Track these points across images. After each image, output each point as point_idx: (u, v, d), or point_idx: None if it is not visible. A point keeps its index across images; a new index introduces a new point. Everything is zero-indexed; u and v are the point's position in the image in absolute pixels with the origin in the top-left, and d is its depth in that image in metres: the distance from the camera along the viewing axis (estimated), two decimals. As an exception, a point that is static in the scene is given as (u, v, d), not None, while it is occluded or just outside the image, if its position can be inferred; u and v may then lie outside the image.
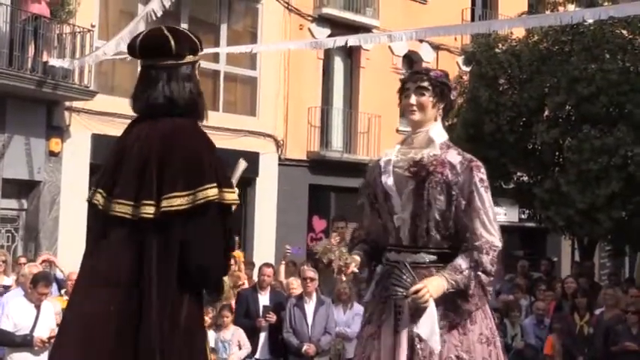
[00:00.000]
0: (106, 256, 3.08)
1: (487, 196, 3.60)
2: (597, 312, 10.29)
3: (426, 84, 3.73)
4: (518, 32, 15.27)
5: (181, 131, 3.07)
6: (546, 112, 14.54)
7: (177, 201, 2.94)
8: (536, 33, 14.70)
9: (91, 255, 3.21)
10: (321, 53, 18.71)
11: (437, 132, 3.74)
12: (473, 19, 21.03)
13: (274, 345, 8.76)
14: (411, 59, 20.95)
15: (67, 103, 14.51)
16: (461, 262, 3.54)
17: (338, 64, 19.79)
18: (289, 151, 18.08)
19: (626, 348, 9.33)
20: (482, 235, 3.55)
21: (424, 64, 20.85)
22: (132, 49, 3.20)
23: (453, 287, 3.52)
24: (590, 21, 12.92)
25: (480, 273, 3.52)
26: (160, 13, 10.70)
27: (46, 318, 7.90)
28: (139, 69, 3.24)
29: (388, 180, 3.66)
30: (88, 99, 14.36)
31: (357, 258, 3.74)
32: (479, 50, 15.38)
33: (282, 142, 18.00)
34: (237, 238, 14.06)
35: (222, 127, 15.80)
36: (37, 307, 7.81)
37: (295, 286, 9.05)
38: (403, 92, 3.83)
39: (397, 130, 20.22)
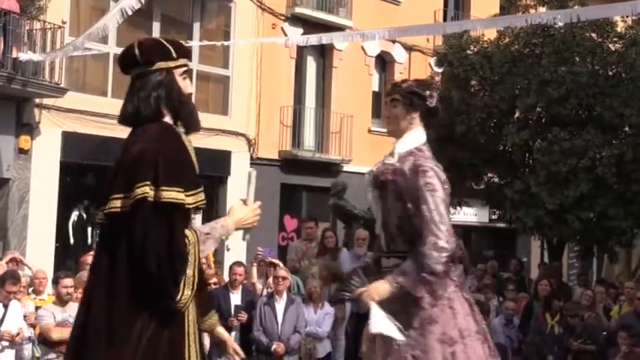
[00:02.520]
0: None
1: (433, 200, 3.70)
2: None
3: (397, 96, 3.92)
4: (490, 34, 15.39)
5: (140, 135, 3.09)
6: (517, 114, 14.67)
7: (117, 203, 2.92)
8: (507, 35, 14.83)
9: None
10: (293, 53, 18.70)
11: (406, 142, 3.91)
12: (445, 21, 21.14)
13: (245, 343, 8.75)
14: (383, 60, 21.02)
15: (37, 100, 14.36)
16: (406, 264, 3.69)
17: (311, 64, 19.79)
18: (261, 151, 18.05)
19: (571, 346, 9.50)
20: (427, 237, 3.66)
21: (397, 65, 20.96)
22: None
23: (397, 289, 3.67)
24: (561, 24, 13.05)
25: (425, 274, 3.64)
26: (130, 12, 10.60)
27: (14, 317, 7.83)
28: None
29: (369, 192, 3.92)
30: (58, 96, 14.22)
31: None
32: (451, 52, 15.48)
33: (254, 141, 17.96)
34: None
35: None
36: (5, 306, 7.74)
37: (268, 286, 9.06)
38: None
39: (369, 130, 20.28)
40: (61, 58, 13.52)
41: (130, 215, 2.88)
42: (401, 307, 3.71)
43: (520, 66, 14.30)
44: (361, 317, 9.79)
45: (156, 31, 16.38)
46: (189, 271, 2.93)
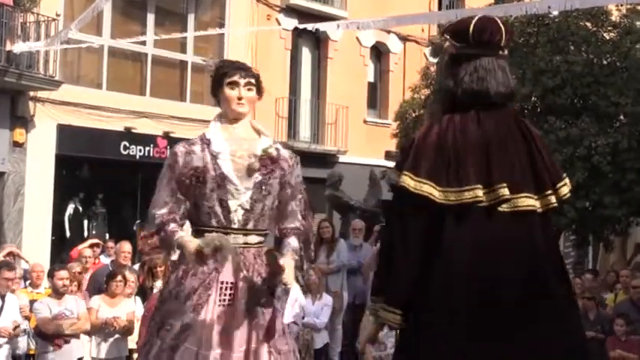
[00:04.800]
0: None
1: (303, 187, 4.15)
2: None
3: (253, 80, 4.03)
4: (485, 24, 15.36)
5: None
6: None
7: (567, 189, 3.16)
8: (502, 25, 14.81)
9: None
10: (288, 44, 18.68)
11: (258, 125, 4.15)
12: (440, 10, 21.10)
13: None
14: (378, 50, 21.01)
15: (32, 93, 14.33)
16: (295, 244, 3.94)
17: (306, 55, 19.77)
18: (257, 142, 18.03)
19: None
20: (303, 220, 4.04)
21: (392, 56, 20.95)
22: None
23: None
24: (556, 13, 13.05)
25: (303, 254, 3.98)
26: None
27: (10, 310, 7.82)
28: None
29: (226, 167, 3.85)
30: (53, 89, 14.19)
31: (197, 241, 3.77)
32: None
33: (249, 132, 17.95)
34: None
35: (189, 118, 15.70)
36: (2, 297, 7.74)
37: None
38: (225, 82, 3.99)
39: (365, 121, 20.28)
40: (55, 51, 13.49)
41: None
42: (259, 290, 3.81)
43: (515, 55, 14.26)
44: (358, 308, 9.84)
45: (150, 23, 16.35)
46: None
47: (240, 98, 3.97)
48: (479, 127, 3.04)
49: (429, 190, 2.97)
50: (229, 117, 4.01)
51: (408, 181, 3.00)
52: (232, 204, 3.84)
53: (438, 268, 2.96)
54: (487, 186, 2.98)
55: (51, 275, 8.03)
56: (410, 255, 3.00)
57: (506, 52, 3.21)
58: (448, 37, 3.23)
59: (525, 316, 2.95)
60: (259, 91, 4.09)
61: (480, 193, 2.96)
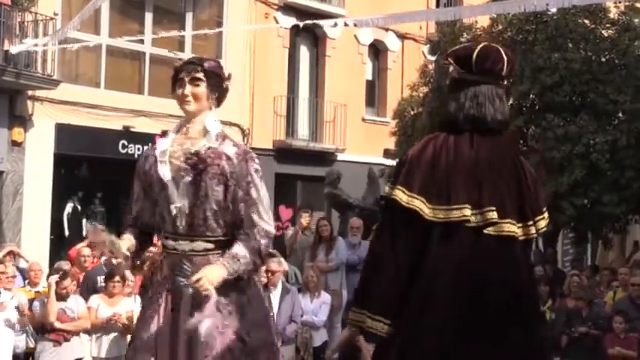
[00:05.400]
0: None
1: (262, 186, 3.76)
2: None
3: (200, 75, 3.78)
4: (483, 21, 15.37)
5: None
6: (510, 101, 14.65)
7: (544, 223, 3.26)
8: (500, 22, 14.81)
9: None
10: (286, 42, 18.67)
11: (211, 122, 3.81)
12: (438, 8, 21.09)
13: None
14: (376, 48, 21.00)
15: (30, 92, 14.32)
16: (238, 250, 3.64)
17: (304, 53, 19.76)
18: (255, 140, 18.03)
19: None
20: (258, 223, 3.69)
21: (390, 54, 20.95)
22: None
23: (231, 275, 3.61)
24: (554, 10, 13.05)
25: (256, 259, 3.69)
26: None
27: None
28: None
29: (164, 170, 3.71)
30: (51, 88, 14.18)
31: (128, 242, 3.76)
32: (444, 39, 15.45)
33: (247, 131, 17.95)
34: None
35: (187, 117, 15.69)
36: None
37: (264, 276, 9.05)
38: (177, 82, 3.84)
39: (363, 119, 20.28)
40: (53, 50, 13.48)
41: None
42: (223, 292, 3.63)
43: (513, 53, 14.29)
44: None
45: (148, 21, 16.34)
46: None
47: (185, 96, 3.79)
48: (472, 149, 3.16)
49: (420, 205, 3.09)
50: (186, 117, 3.87)
51: (401, 195, 3.11)
52: (172, 209, 3.69)
53: (422, 282, 3.07)
54: (476, 207, 3.09)
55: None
56: (398, 266, 3.11)
57: (506, 82, 3.36)
58: (452, 61, 3.33)
59: (504, 332, 3.08)
60: (216, 83, 3.83)
61: (467, 212, 3.07)
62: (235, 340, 3.62)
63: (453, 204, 3.07)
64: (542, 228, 3.22)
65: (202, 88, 3.78)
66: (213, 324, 3.60)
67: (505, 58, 3.28)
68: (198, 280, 3.50)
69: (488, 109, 3.19)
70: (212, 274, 3.54)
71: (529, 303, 3.18)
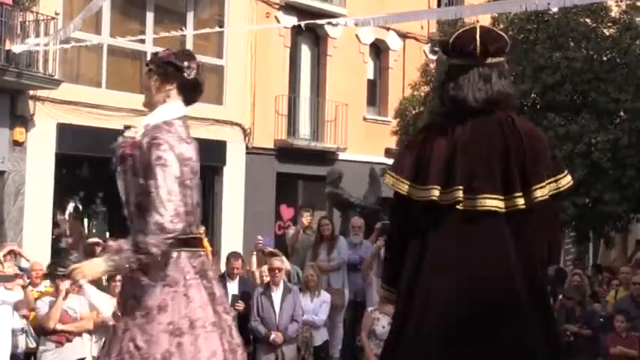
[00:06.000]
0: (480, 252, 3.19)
1: (162, 175, 3.41)
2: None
3: (152, 66, 3.69)
4: (484, 20, 15.36)
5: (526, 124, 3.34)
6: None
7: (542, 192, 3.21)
8: (501, 21, 14.81)
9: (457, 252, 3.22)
10: (288, 42, 18.67)
11: (157, 115, 3.64)
12: (439, 7, 21.08)
13: (242, 333, 8.76)
14: (378, 47, 20.99)
15: (32, 92, 14.32)
16: (123, 243, 3.43)
17: (305, 53, 19.76)
18: (256, 140, 18.04)
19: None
20: (150, 216, 3.39)
21: (391, 53, 20.94)
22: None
23: (113, 268, 3.48)
24: (555, 9, 13.05)
25: (140, 255, 3.37)
26: None
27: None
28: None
29: (113, 165, 3.66)
30: (52, 88, 14.19)
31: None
32: (445, 39, 15.45)
33: (249, 130, 17.95)
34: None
35: (188, 116, 15.66)
36: None
37: (266, 274, 9.06)
38: None
39: (364, 119, 20.28)
40: (54, 50, 13.48)
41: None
42: (131, 291, 3.51)
43: (514, 52, 14.29)
44: (359, 305, 9.85)
45: (149, 21, 16.35)
46: None
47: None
48: (453, 133, 3.25)
49: (404, 187, 3.27)
50: None
51: (388, 179, 3.33)
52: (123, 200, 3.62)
53: (411, 254, 3.28)
54: (445, 187, 3.21)
55: (52, 278, 8.01)
56: (394, 243, 3.42)
57: (496, 60, 3.31)
58: (438, 49, 3.49)
59: (494, 330, 3.12)
60: (166, 72, 3.63)
61: (436, 192, 3.20)
62: (131, 346, 3.44)
63: (428, 185, 3.21)
64: (539, 197, 3.18)
65: (151, 79, 3.66)
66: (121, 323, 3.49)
67: (478, 38, 3.28)
68: (73, 270, 3.47)
69: (468, 89, 3.22)
70: (88, 266, 3.46)
71: (522, 283, 3.13)
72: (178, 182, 3.44)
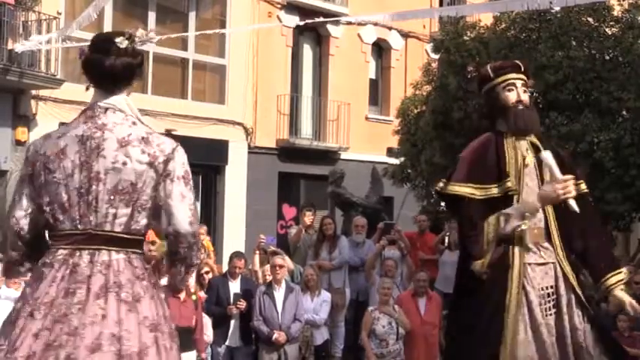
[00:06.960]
0: None
1: (13, 179, 3.40)
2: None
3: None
4: (486, 20, 15.37)
5: None
6: (513, 99, 14.64)
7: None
8: (503, 21, 14.80)
9: None
10: (290, 41, 18.67)
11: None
12: (441, 7, 21.08)
13: (245, 332, 8.77)
14: (380, 47, 20.99)
15: (34, 92, 14.35)
16: None
17: (307, 52, 19.77)
18: (258, 139, 18.05)
19: None
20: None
21: (393, 52, 20.94)
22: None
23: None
24: (557, 8, 13.04)
25: None
26: None
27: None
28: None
29: None
30: (54, 87, 14.21)
31: None
32: (447, 38, 15.45)
33: (251, 130, 17.96)
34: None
35: (190, 115, 15.72)
36: None
37: (269, 273, 9.05)
38: None
39: (366, 118, 20.28)
40: (56, 49, 13.49)
41: None
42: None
43: (517, 51, 14.26)
44: (360, 305, 9.84)
45: (151, 20, 16.35)
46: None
47: None
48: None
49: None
50: None
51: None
52: None
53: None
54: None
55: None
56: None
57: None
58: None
59: None
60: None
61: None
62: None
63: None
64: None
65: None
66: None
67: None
68: None
69: None
70: None
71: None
72: (25, 183, 3.30)
